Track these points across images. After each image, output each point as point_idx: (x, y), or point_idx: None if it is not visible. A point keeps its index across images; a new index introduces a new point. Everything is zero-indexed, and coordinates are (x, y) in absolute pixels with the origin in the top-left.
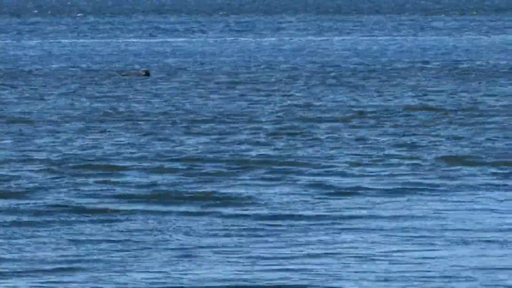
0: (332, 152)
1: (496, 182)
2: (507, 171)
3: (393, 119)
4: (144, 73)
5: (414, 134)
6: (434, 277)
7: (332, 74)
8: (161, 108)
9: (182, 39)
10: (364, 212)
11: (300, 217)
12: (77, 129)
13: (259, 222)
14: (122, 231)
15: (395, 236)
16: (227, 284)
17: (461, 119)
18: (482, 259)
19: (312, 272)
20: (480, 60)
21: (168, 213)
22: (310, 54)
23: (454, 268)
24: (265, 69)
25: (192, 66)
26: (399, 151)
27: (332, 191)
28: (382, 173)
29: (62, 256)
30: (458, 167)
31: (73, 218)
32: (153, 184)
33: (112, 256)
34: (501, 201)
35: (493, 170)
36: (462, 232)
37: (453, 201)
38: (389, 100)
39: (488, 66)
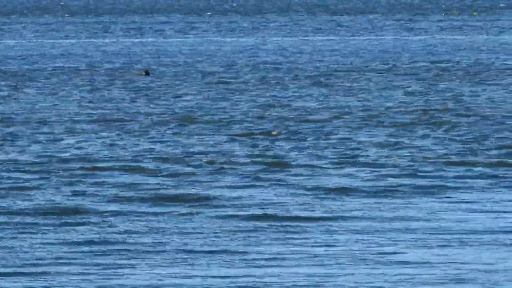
0: (319, 152)
1: (489, 182)
2: (498, 172)
3: (378, 119)
4: (144, 73)
5: (399, 135)
6: (430, 278)
7: (315, 74)
8: (152, 108)
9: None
10: (356, 213)
11: (292, 218)
12: (65, 130)
13: (250, 223)
14: (111, 233)
15: (388, 237)
16: (221, 285)
17: (445, 119)
18: (479, 259)
19: (307, 273)
20: (466, 59)
21: (158, 214)
22: (292, 54)
23: (452, 269)
24: (248, 68)
25: (177, 66)
26: (387, 151)
27: (322, 192)
28: (372, 174)
29: (46, 257)
30: (450, 168)
31: (61, 220)
32: (139, 184)
33: (100, 258)
34: (497, 201)
35: (485, 170)
36: (458, 233)
37: (447, 202)
38: (373, 100)
39: (475, 65)
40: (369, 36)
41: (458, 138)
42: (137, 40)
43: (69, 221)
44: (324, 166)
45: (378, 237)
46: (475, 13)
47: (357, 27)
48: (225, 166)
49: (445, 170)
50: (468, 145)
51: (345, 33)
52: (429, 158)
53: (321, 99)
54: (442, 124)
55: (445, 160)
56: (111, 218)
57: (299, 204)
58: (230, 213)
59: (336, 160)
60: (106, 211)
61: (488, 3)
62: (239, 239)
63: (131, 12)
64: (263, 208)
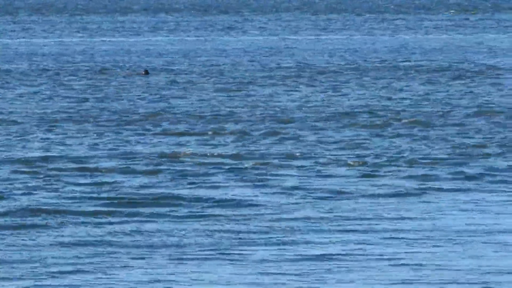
0: (308, 153)
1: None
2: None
3: (366, 120)
4: (143, 72)
5: (381, 135)
6: (428, 278)
7: (304, 73)
8: (144, 107)
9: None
10: (353, 214)
11: (287, 219)
12: (57, 129)
13: (245, 224)
14: (105, 233)
15: (386, 238)
16: (219, 286)
17: (428, 121)
18: (482, 261)
19: (304, 274)
20: (453, 60)
21: (151, 215)
22: (280, 53)
23: (448, 268)
24: (236, 67)
25: (169, 66)
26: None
27: (314, 193)
28: (366, 174)
29: (40, 259)
30: (438, 169)
31: (52, 220)
32: (132, 185)
33: (95, 259)
34: (495, 202)
35: (475, 170)
36: (449, 233)
37: (439, 203)
38: (362, 99)
39: (458, 66)
40: (361, 35)
41: (444, 137)
42: (132, 40)
43: (59, 221)
44: (306, 166)
45: (370, 237)
46: (474, 12)
47: (351, 26)
48: (209, 165)
49: (433, 171)
50: (455, 145)
51: (334, 32)
52: (420, 158)
53: (310, 98)
54: (428, 124)
55: (434, 160)
56: (99, 219)
57: (291, 205)
58: (217, 213)
59: (325, 161)
60: (92, 212)
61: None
62: (229, 239)
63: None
64: (248, 207)
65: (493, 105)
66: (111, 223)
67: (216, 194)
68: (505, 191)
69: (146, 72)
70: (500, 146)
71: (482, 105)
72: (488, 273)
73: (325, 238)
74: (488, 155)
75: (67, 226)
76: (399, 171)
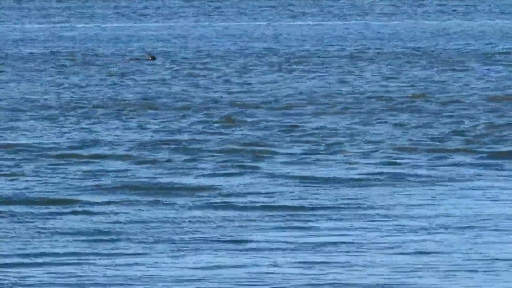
0: (292, 140)
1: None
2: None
3: (352, 106)
4: (150, 57)
5: (371, 123)
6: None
7: (294, 60)
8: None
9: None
10: (352, 202)
11: (282, 208)
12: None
13: (240, 212)
14: (97, 222)
15: (387, 225)
16: (217, 273)
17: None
18: (485, 247)
19: (301, 264)
20: (445, 45)
21: (146, 203)
22: (267, 39)
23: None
24: (228, 54)
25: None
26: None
27: (300, 180)
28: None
29: (24, 249)
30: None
31: (39, 209)
32: (119, 173)
33: (88, 248)
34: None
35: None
36: (457, 219)
37: (437, 191)
38: (357, 86)
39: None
40: (351, 21)
41: (429, 125)
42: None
43: (48, 210)
44: (299, 154)
45: (366, 224)
46: None
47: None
48: (200, 153)
49: (422, 158)
50: (442, 132)
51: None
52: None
53: (300, 85)
54: (416, 111)
55: (421, 147)
56: (99, 208)
57: (284, 193)
58: (218, 201)
59: (307, 148)
60: (91, 201)
61: None
62: (229, 227)
63: None
64: (249, 197)
65: None
66: (94, 212)
67: (213, 182)
68: None
69: (153, 58)
70: None
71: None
72: (497, 259)
73: (327, 225)
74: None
75: (61, 215)
76: (403, 158)
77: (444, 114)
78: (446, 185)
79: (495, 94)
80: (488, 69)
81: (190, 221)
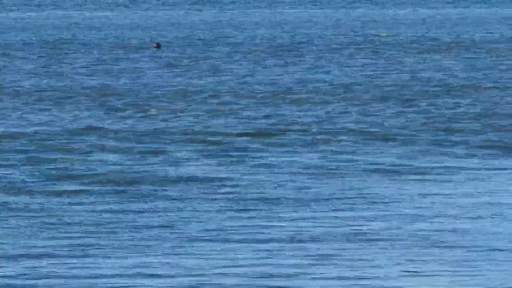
0: (302, 129)
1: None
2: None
3: (351, 94)
4: (155, 45)
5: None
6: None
7: (282, 48)
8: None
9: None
10: (349, 192)
11: (279, 199)
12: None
13: (241, 203)
14: (89, 212)
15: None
16: (216, 266)
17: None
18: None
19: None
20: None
21: (135, 195)
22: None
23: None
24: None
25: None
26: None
27: (297, 171)
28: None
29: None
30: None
31: (26, 201)
32: (110, 165)
33: (79, 241)
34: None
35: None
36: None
37: (434, 183)
38: (347, 75)
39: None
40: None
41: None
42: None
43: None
44: (297, 144)
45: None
46: None
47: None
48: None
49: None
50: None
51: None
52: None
53: (295, 75)
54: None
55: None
56: (81, 199)
57: (287, 182)
58: (213, 192)
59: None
60: (80, 191)
61: None
62: (219, 220)
63: None
64: (245, 188)
65: None
66: (83, 203)
67: (209, 173)
68: None
69: (158, 45)
70: None
71: None
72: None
73: (328, 215)
74: None
75: (47, 206)
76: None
77: (445, 104)
78: (454, 175)
79: None
80: None
81: (180, 213)
